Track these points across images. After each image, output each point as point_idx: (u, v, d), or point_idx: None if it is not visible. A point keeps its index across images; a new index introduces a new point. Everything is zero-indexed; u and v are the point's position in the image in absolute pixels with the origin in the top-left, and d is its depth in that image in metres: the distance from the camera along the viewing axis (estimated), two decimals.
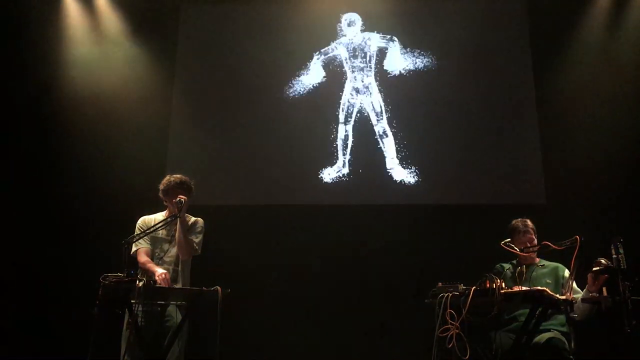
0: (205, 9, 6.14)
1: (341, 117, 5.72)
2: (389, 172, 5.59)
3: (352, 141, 5.67)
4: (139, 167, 5.44)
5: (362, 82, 5.78)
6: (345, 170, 5.62)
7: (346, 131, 5.69)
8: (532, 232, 3.65)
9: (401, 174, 5.57)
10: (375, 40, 5.86)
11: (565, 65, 5.61)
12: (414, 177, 5.56)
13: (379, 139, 5.66)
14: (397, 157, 5.61)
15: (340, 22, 5.96)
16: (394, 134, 5.66)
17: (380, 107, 5.70)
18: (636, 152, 5.26)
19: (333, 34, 5.95)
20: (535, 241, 3.61)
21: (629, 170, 5.22)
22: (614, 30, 5.59)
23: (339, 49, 5.88)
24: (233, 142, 5.78)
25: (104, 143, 5.61)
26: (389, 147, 5.63)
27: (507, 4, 5.95)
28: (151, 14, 5.94)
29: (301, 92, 5.82)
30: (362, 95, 5.75)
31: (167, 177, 3.77)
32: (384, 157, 5.63)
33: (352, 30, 5.93)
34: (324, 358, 5.00)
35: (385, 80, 5.79)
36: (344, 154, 5.64)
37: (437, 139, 5.64)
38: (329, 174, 5.60)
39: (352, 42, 5.89)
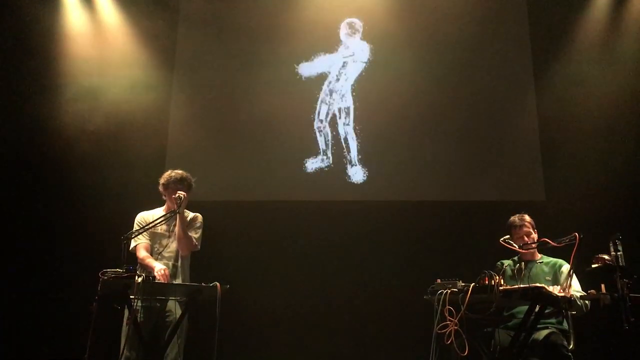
0: (205, 2, 6.12)
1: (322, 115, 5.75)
2: (387, 168, 5.59)
3: (352, 138, 5.68)
4: (138, 163, 5.44)
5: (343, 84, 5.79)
6: (344, 167, 5.62)
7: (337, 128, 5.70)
8: (529, 226, 3.63)
9: (399, 171, 5.58)
10: (366, 53, 5.85)
11: (565, 62, 5.59)
12: (413, 173, 5.57)
13: (377, 135, 5.68)
14: (396, 153, 5.62)
15: (340, 25, 5.94)
16: (394, 132, 5.66)
17: (349, 108, 5.71)
18: (636, 149, 5.26)
19: (334, 35, 5.93)
20: (534, 235, 3.61)
21: (628, 168, 5.22)
22: (613, 29, 5.58)
23: (331, 60, 5.87)
24: (235, 139, 5.77)
25: (103, 138, 5.60)
26: (388, 143, 5.65)
27: (507, 2, 5.94)
28: (151, 5, 5.92)
29: (302, 86, 5.82)
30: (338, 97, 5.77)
31: (169, 172, 3.78)
32: (382, 154, 5.64)
33: (350, 40, 5.91)
34: (322, 354, 5.01)
35: (385, 78, 5.79)
36: (334, 151, 5.66)
37: (438, 136, 5.64)
38: (327, 169, 5.62)
39: (347, 51, 5.88)
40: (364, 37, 5.91)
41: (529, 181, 5.47)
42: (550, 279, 3.47)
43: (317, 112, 5.75)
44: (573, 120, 5.44)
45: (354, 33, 5.92)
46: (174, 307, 3.52)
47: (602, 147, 5.31)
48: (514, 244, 3.49)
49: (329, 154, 5.66)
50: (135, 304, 3.21)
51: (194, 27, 6.05)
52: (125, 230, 3.40)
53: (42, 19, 5.72)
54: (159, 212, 3.78)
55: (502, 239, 3.51)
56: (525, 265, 3.61)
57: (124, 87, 5.72)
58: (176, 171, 3.77)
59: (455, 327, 2.83)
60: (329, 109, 5.73)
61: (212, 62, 5.95)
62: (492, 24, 5.83)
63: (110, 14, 5.90)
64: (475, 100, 5.69)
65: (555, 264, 3.57)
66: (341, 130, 5.69)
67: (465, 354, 2.82)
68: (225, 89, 5.88)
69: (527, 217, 3.67)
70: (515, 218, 3.69)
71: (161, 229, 3.70)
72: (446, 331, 2.83)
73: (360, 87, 5.79)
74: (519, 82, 5.72)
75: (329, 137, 5.69)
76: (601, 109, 5.40)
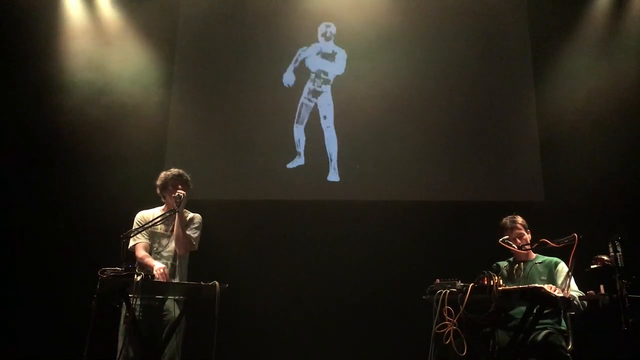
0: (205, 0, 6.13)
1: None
2: (388, 167, 5.59)
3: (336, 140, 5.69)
4: (137, 162, 5.43)
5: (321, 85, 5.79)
6: (344, 166, 5.62)
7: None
8: (521, 227, 3.61)
9: (399, 170, 5.57)
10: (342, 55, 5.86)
11: (565, 62, 5.59)
12: (413, 172, 5.56)
13: (374, 135, 5.67)
14: (395, 153, 5.61)
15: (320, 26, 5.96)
16: (395, 130, 5.66)
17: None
18: (635, 149, 5.26)
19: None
20: (527, 236, 3.60)
21: (628, 168, 5.22)
22: (614, 30, 5.58)
23: (308, 51, 5.88)
24: (232, 137, 5.75)
25: (102, 137, 5.59)
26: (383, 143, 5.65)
27: (507, 1, 5.93)
28: (150, 4, 5.92)
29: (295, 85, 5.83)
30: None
31: (164, 173, 3.78)
32: (381, 154, 5.63)
33: (325, 40, 5.92)
34: (320, 353, 5.01)
35: (387, 77, 5.78)
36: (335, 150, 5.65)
37: (438, 135, 5.63)
38: (327, 168, 5.62)
39: (322, 49, 5.89)
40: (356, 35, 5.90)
41: (529, 181, 5.46)
42: (545, 278, 3.47)
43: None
44: (573, 120, 5.43)
45: (329, 35, 5.92)
46: (172, 306, 3.52)
47: (602, 147, 5.30)
48: (514, 245, 3.50)
49: (329, 153, 5.66)
50: (134, 302, 3.21)
51: (194, 21, 6.04)
52: (125, 228, 3.39)
53: (40, 13, 5.70)
54: (159, 211, 3.77)
55: (501, 239, 3.52)
56: (521, 265, 3.61)
57: (123, 84, 5.71)
58: (170, 170, 3.78)
59: (454, 327, 2.83)
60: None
61: (213, 56, 5.94)
62: (491, 22, 5.82)
63: (110, 9, 5.89)
64: (474, 100, 5.68)
65: (550, 262, 3.57)
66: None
67: (464, 354, 2.82)
68: (227, 85, 5.87)
69: (519, 219, 3.65)
70: (506, 220, 3.67)
71: (160, 228, 3.70)
72: (445, 331, 2.83)
73: (359, 87, 5.79)
74: (519, 81, 5.71)
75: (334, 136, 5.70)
76: (601, 109, 5.39)
